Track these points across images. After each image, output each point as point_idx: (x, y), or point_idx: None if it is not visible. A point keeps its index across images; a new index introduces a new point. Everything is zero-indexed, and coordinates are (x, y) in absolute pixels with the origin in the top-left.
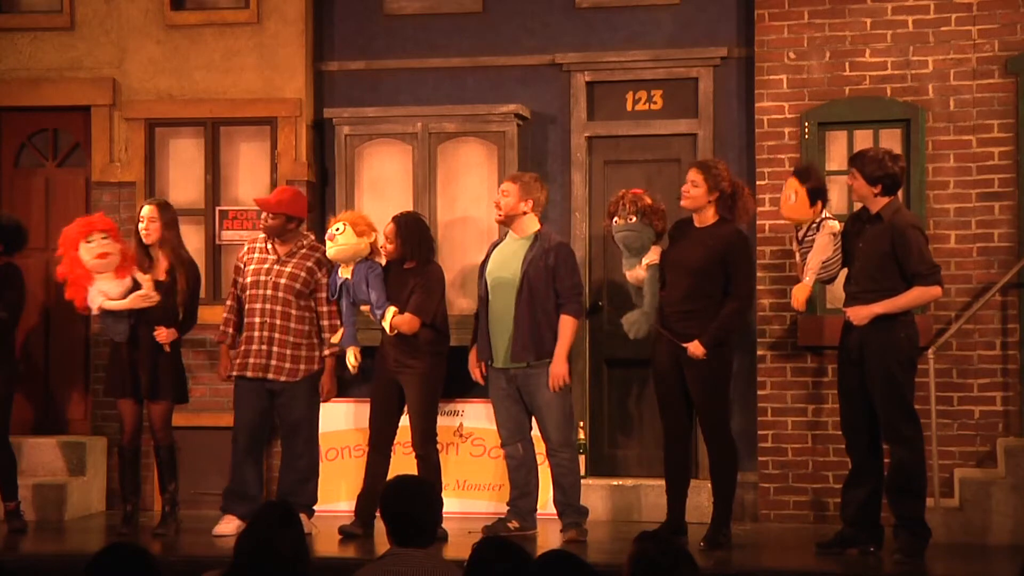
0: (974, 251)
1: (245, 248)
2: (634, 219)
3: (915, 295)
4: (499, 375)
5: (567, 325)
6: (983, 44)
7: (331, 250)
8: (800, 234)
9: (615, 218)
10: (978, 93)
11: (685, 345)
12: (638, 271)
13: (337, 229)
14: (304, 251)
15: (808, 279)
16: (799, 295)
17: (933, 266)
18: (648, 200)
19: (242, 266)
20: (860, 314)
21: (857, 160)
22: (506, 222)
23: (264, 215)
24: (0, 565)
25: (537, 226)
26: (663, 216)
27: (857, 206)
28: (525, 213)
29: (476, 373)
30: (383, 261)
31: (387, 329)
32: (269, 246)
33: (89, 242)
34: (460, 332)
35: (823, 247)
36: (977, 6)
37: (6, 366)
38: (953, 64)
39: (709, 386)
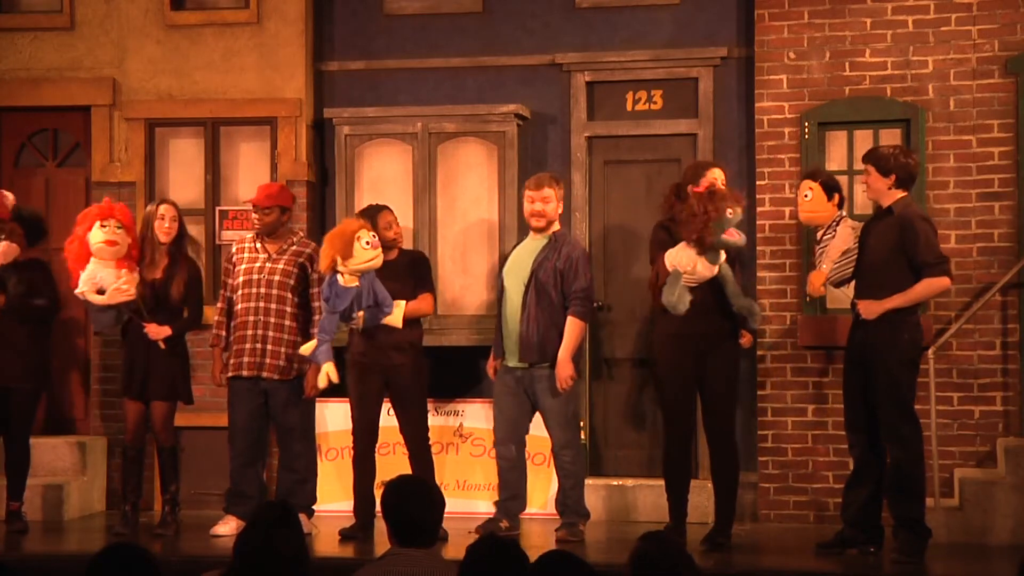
0: (974, 251)
1: (234, 249)
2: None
3: (924, 287)
4: (509, 373)
5: (573, 327)
6: (983, 44)
7: (377, 259)
8: (819, 235)
9: (728, 210)
10: (978, 93)
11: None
12: (717, 266)
13: (374, 237)
14: (294, 247)
15: (825, 266)
16: (815, 280)
17: (941, 256)
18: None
19: (231, 267)
20: (872, 309)
21: (871, 155)
22: (546, 228)
23: (257, 214)
24: (1, 565)
25: (557, 227)
26: None
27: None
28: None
29: (491, 370)
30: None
31: (398, 324)
32: (258, 245)
33: (104, 226)
34: (465, 332)
35: (844, 238)
36: (977, 6)
37: (38, 362)
38: (953, 64)
39: (728, 386)
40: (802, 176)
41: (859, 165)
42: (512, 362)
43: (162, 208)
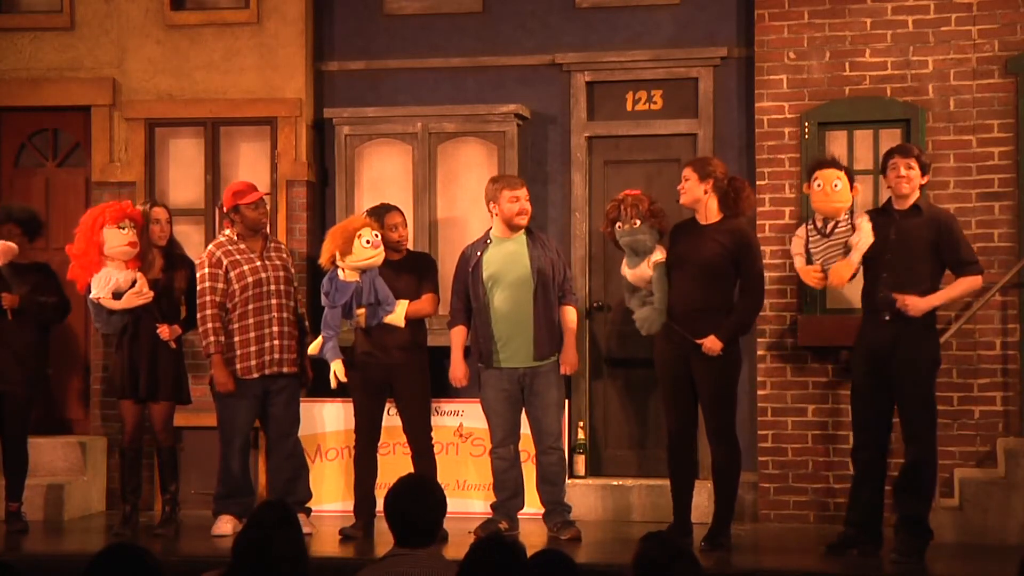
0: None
1: (218, 254)
2: (638, 223)
3: (966, 285)
4: (501, 376)
5: (574, 315)
6: (983, 44)
7: (377, 258)
8: (829, 228)
9: (617, 224)
10: (978, 93)
11: (700, 341)
12: (643, 270)
13: (376, 235)
14: (274, 244)
15: (854, 257)
16: (844, 273)
17: (976, 256)
18: (647, 201)
19: (222, 272)
20: (919, 307)
21: (911, 151)
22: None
23: (250, 212)
24: (3, 565)
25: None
26: (664, 216)
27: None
28: None
29: (463, 378)
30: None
31: (400, 323)
32: (243, 246)
33: (122, 228)
34: None
35: (869, 232)
36: (977, 6)
37: (36, 367)
38: (953, 64)
39: (719, 385)
40: (831, 161)
41: (860, 165)
42: (515, 363)
43: (155, 211)
